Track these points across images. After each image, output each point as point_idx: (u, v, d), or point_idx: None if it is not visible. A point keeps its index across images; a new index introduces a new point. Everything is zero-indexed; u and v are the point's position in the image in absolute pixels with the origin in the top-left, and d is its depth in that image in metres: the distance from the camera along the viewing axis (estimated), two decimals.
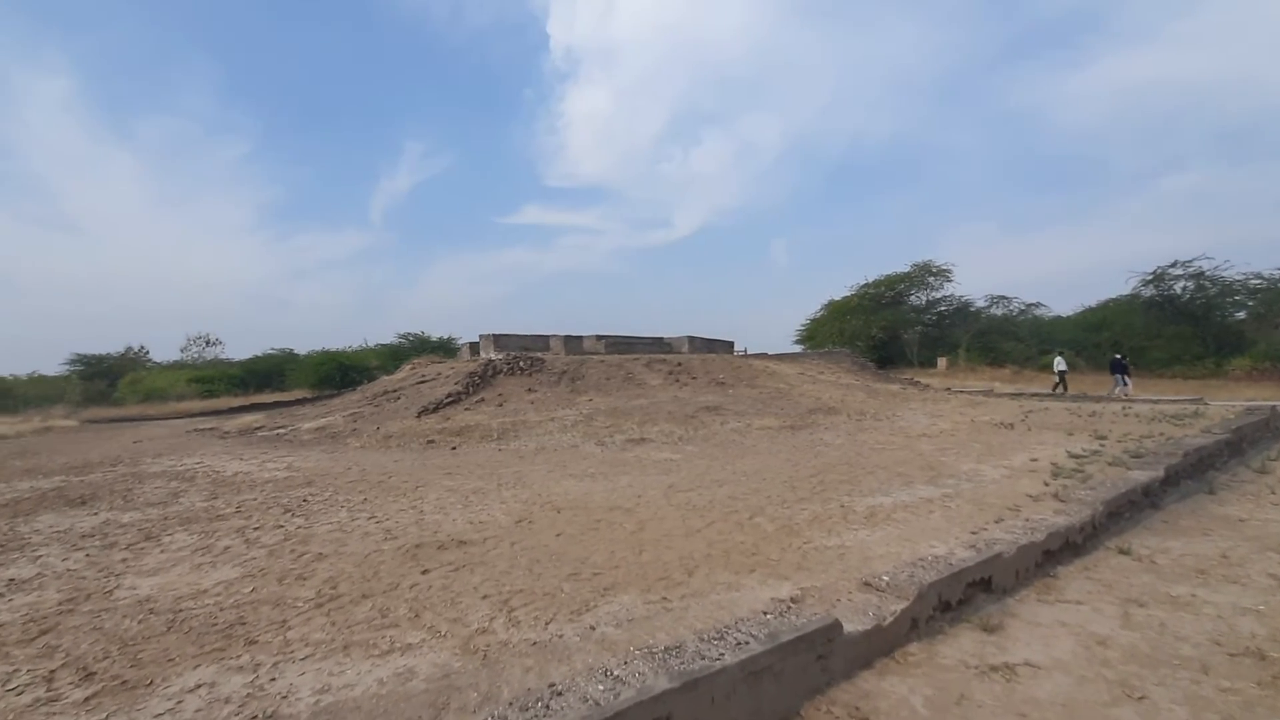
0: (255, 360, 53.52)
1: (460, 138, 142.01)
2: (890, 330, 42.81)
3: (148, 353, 57.19)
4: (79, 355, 51.21)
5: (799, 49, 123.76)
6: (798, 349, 44.16)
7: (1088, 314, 40.37)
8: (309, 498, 7.92)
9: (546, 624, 3.55)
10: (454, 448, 13.63)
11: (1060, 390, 23.99)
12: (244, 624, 3.74)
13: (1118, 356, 24.26)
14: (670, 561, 4.76)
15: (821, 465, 9.40)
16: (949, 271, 43.59)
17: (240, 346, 50.42)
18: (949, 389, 24.53)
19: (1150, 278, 35.64)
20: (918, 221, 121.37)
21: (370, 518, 6.60)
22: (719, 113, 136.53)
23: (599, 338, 26.78)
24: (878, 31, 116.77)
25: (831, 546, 5.04)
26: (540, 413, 17.26)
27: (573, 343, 25.89)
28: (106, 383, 47.69)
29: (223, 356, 57.27)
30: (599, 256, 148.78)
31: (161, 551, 5.51)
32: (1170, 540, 6.05)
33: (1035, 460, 9.03)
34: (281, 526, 6.32)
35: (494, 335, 25.19)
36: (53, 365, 49.27)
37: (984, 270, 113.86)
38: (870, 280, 44.93)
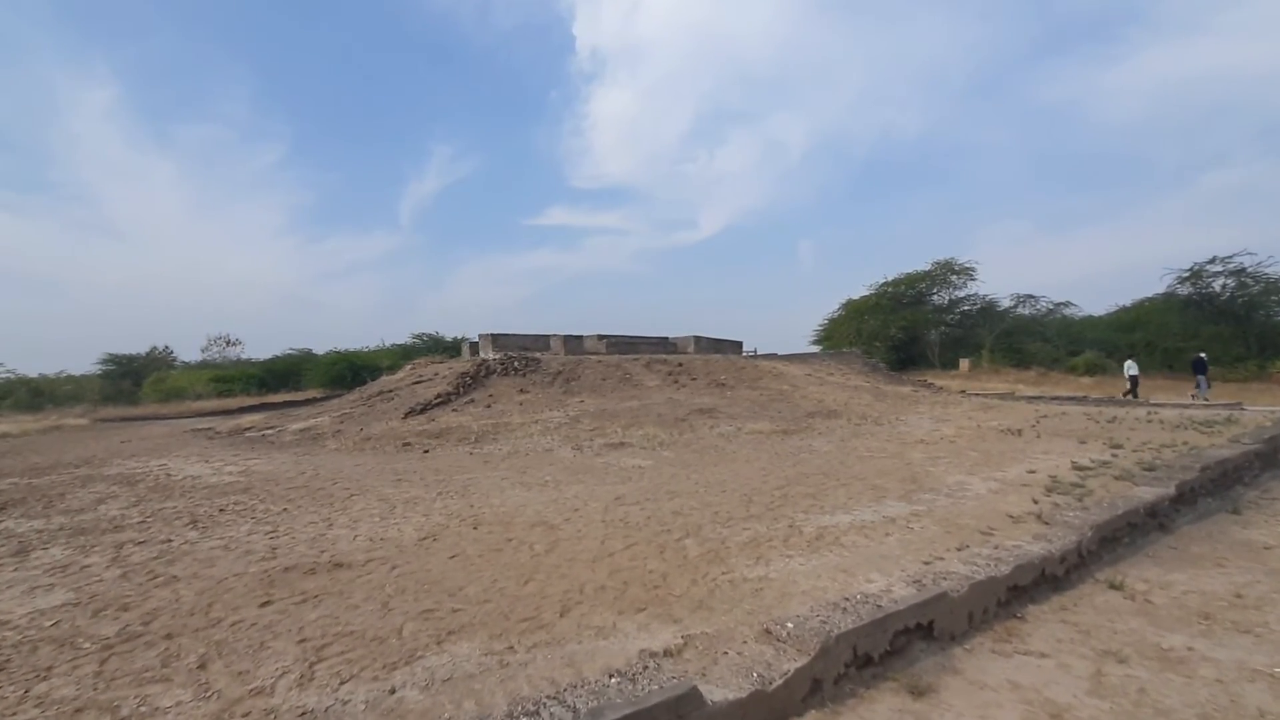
0: (274, 361, 54.03)
1: (487, 140, 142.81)
2: (910, 330, 41.40)
3: (172, 353, 58.17)
4: (110, 355, 52.18)
5: (825, 46, 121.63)
6: (815, 350, 42.96)
7: (1121, 314, 38.48)
8: (229, 507, 7.39)
9: (342, 683, 2.88)
10: (426, 450, 13.08)
11: (1131, 396, 21.83)
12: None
13: (1201, 355, 22.13)
14: (554, 594, 4.05)
15: (795, 475, 8.59)
16: (972, 270, 42.00)
17: (274, 347, 50.99)
18: (963, 392, 23.32)
19: (1187, 275, 33.73)
20: (948, 220, 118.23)
21: (270, 532, 6.01)
22: (744, 112, 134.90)
23: (600, 337, 26.13)
24: (906, 27, 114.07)
25: (752, 579, 4.28)
26: (526, 414, 16.65)
27: (573, 342, 25.27)
28: (130, 382, 48.50)
29: (243, 356, 57.99)
30: (624, 257, 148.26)
31: (14, 570, 4.98)
32: (1175, 572, 5.14)
33: (1033, 472, 8.09)
34: (169, 541, 5.76)
35: (492, 335, 24.71)
36: (92, 366, 50.28)
37: (1018, 270, 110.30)
38: (889, 279, 43.48)
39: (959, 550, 4.77)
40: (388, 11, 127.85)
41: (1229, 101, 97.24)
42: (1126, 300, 39.26)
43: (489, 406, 17.98)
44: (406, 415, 17.63)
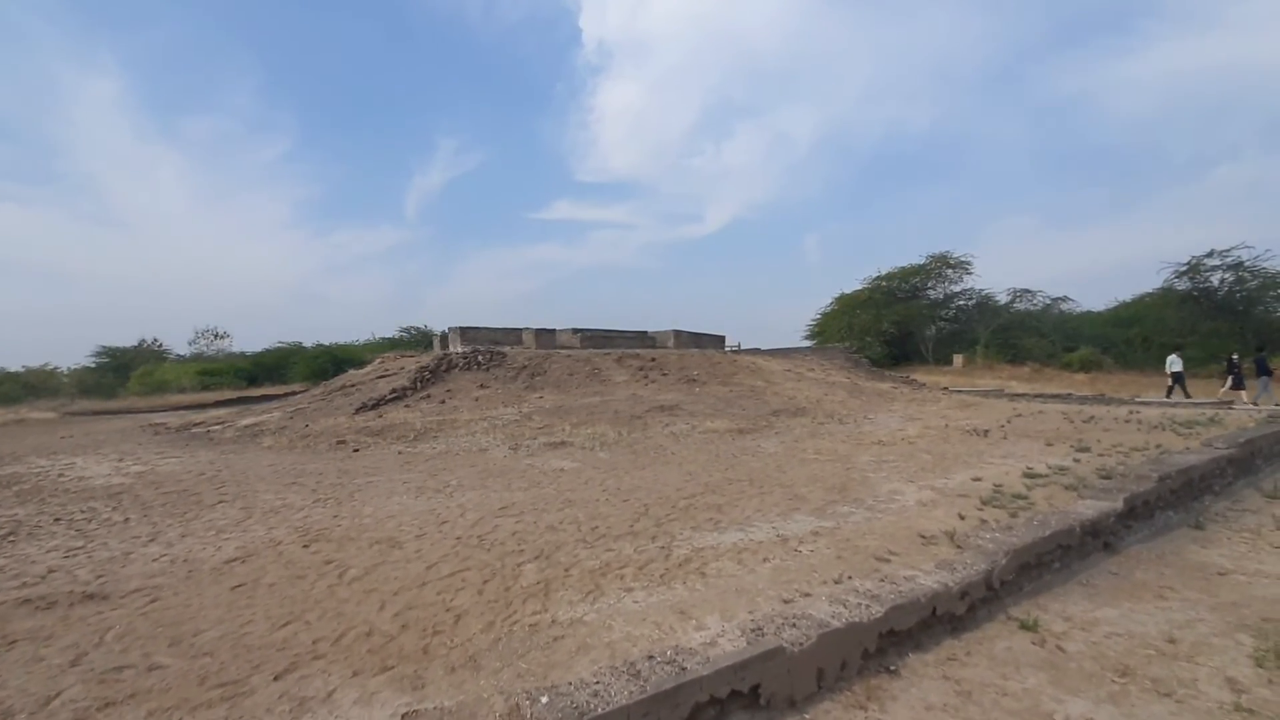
0: (263, 354, 53.43)
1: (493, 134, 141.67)
2: (903, 325, 40.40)
3: (160, 345, 57.56)
4: (104, 348, 51.65)
5: (833, 38, 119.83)
6: (808, 344, 42.04)
7: (1120, 309, 37.39)
8: (73, 515, 6.68)
9: None
10: (357, 450, 12.34)
11: (1178, 395, 19.21)
12: None
13: (1260, 353, 19.06)
14: (300, 644, 3.29)
15: (720, 481, 7.80)
16: (968, 264, 40.96)
17: (282, 340, 50.70)
18: (945, 389, 22.44)
19: (1184, 269, 32.60)
20: (956, 215, 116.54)
21: (70, 550, 5.27)
22: (751, 105, 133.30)
23: (575, 331, 25.35)
24: (915, 19, 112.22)
25: (562, 622, 3.49)
26: (477, 411, 15.89)
27: (545, 336, 24.49)
28: (115, 375, 47.94)
29: (233, 350, 57.39)
30: (629, 252, 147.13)
31: None
32: (1106, 606, 4.33)
33: (978, 480, 7.27)
34: None
35: (461, 328, 23.95)
36: (86, 358, 49.71)
37: (1024, 265, 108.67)
38: (883, 273, 42.47)
39: (836, 583, 3.97)
40: (395, 4, 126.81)
41: (1240, 95, 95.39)
42: (1132, 294, 38.06)
43: (443, 402, 17.23)
44: (357, 411, 16.90)
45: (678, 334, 27.58)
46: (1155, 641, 3.79)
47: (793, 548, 4.80)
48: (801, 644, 3.12)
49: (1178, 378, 19.82)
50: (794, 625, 3.30)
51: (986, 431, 11.56)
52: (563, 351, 22.30)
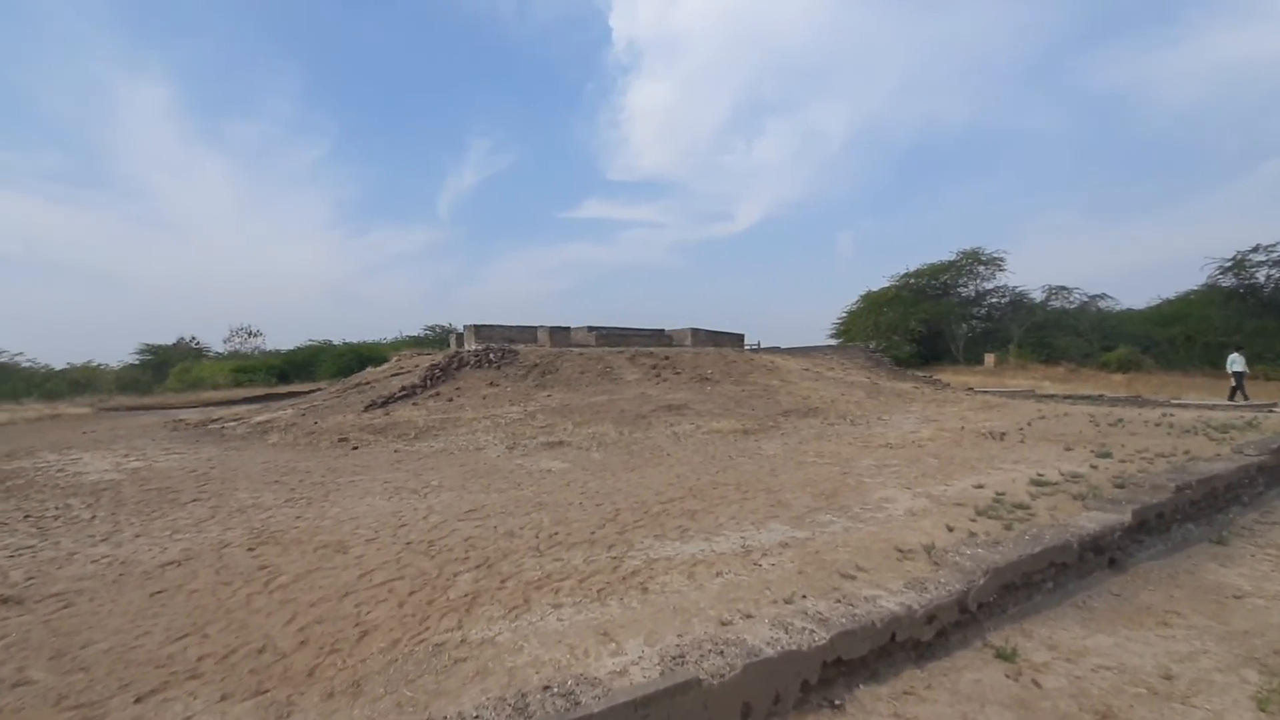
0: (295, 352, 54.54)
1: (524, 134, 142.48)
2: (933, 324, 39.24)
3: (198, 343, 59.14)
4: (146, 345, 53.40)
5: (867, 32, 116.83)
6: (833, 343, 41.12)
7: (1162, 307, 35.66)
8: (43, 512, 6.64)
9: None
10: (355, 447, 12.28)
11: (1242, 398, 17.91)
12: None
13: None
14: (183, 660, 3.07)
15: (705, 484, 7.45)
16: (1001, 260, 39.59)
17: (317, 338, 52.10)
18: (971, 389, 21.60)
19: (1229, 265, 30.88)
20: (993, 211, 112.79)
21: (18, 549, 5.16)
22: (783, 101, 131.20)
23: (590, 329, 25.12)
24: (954, 11, 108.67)
25: (473, 642, 3.21)
26: (481, 410, 15.76)
27: (560, 334, 24.32)
28: (152, 372, 49.43)
29: (265, 348, 58.71)
30: (660, 250, 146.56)
31: None
32: (1100, 633, 3.88)
33: (981, 487, 6.78)
34: None
35: (476, 326, 23.93)
36: (130, 355, 51.42)
37: (1064, 261, 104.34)
38: (911, 270, 41.32)
39: (786, 603, 3.60)
40: (429, 7, 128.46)
41: None
42: (1179, 291, 36.15)
43: (450, 400, 17.16)
44: (366, 409, 16.94)
45: (695, 332, 27.14)
46: (1149, 677, 3.35)
47: (754, 561, 4.44)
48: (723, 675, 2.78)
49: (1239, 378, 18.50)
50: (721, 653, 2.96)
51: (1003, 434, 10.95)
52: (575, 350, 22.10)
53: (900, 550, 4.57)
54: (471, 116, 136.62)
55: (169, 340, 55.62)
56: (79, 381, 44.49)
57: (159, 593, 4.01)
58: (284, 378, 47.95)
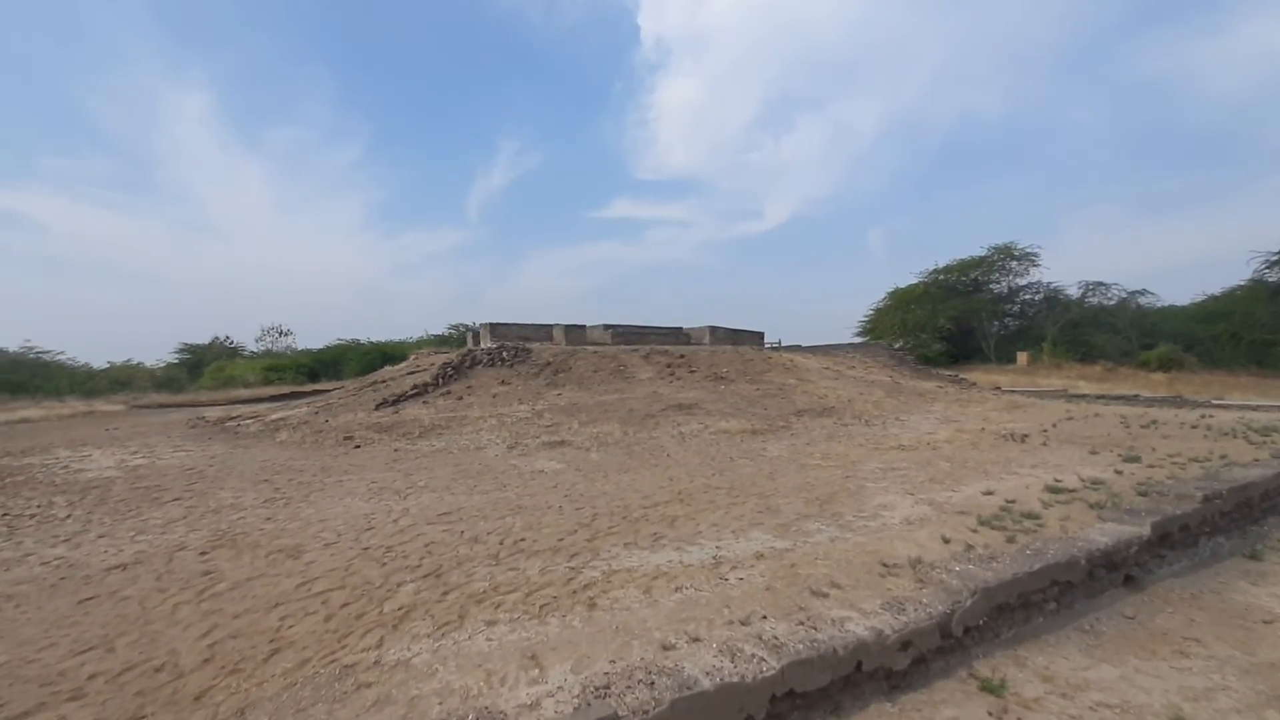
0: (324, 350, 55.53)
1: (552, 134, 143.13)
2: (963, 321, 38.07)
3: (232, 342, 60.56)
4: (185, 345, 55.00)
5: (900, 25, 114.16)
6: (860, 341, 40.19)
7: (1207, 304, 33.92)
8: (35, 510, 6.63)
9: None
10: (357, 446, 12.20)
11: None
12: None
13: None
14: (60, 679, 2.87)
15: (698, 488, 7.10)
16: (1035, 255, 38.18)
17: (336, 337, 53.42)
18: (999, 388, 20.75)
19: (1276, 259, 29.21)
20: (1032, 205, 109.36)
21: None
22: (813, 97, 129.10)
23: (606, 327, 24.86)
24: (988, 2, 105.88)
25: (387, 665, 2.94)
26: (489, 408, 15.60)
27: (575, 332, 24.11)
28: (186, 370, 50.74)
29: (294, 347, 59.86)
30: (688, 249, 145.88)
31: None
32: (1104, 663, 3.45)
33: (990, 494, 6.30)
34: None
35: (491, 324, 23.86)
36: (169, 355, 52.99)
37: (1107, 256, 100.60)
38: (940, 266, 40.14)
39: (743, 624, 3.25)
40: (459, 9, 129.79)
41: None
42: (1227, 286, 34.26)
43: (460, 399, 17.05)
44: (378, 407, 16.94)
45: (713, 330, 26.69)
46: (1157, 714, 2.91)
47: (721, 574, 4.08)
48: (647, 712, 2.45)
49: None
50: (652, 684, 2.63)
51: (1025, 436, 10.35)
52: (589, 348, 21.86)
53: (885, 564, 4.16)
54: (500, 117, 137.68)
55: (205, 340, 57.13)
56: (119, 380, 45.77)
57: (88, 600, 3.83)
58: (313, 376, 48.82)
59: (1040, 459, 8.42)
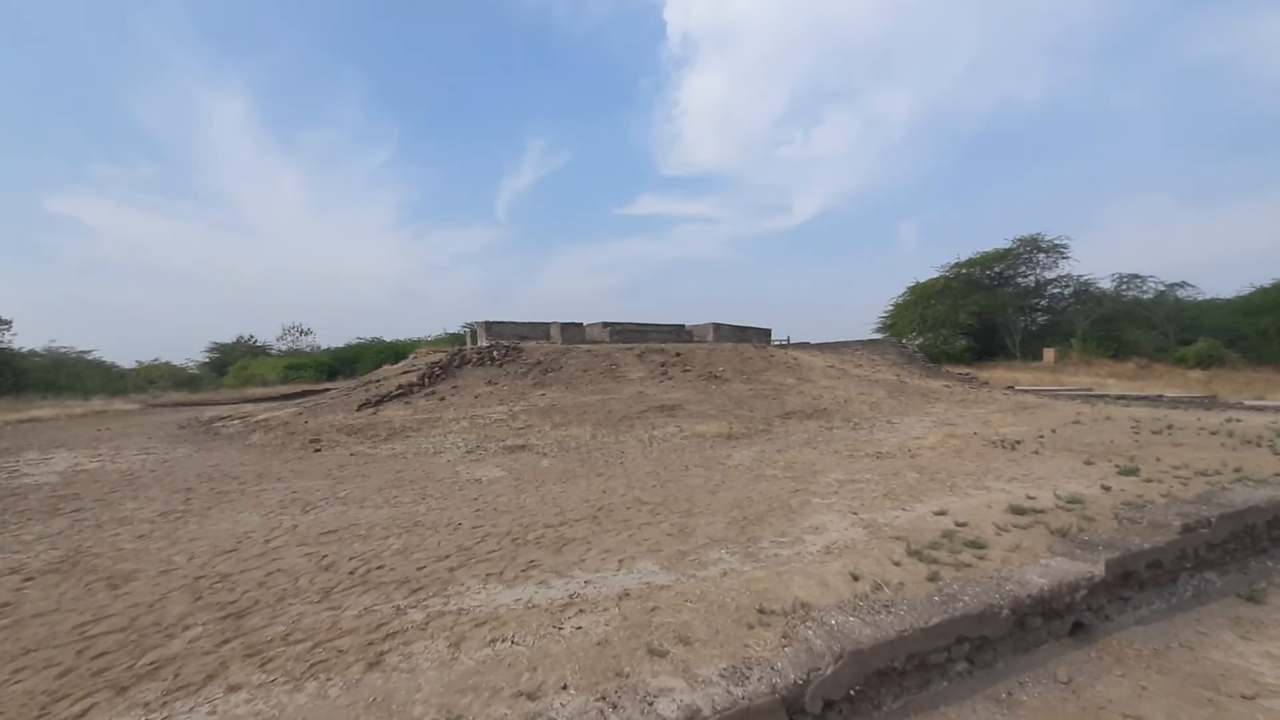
0: (343, 349, 56.14)
1: (579, 132, 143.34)
2: (986, 317, 36.44)
3: (255, 340, 61.63)
4: (215, 344, 56.25)
5: (935, 13, 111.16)
6: (877, 338, 38.83)
7: (1253, 296, 31.79)
8: None
9: None
10: (318, 450, 11.80)
11: None
12: None
13: None
14: None
15: (624, 502, 6.46)
16: (1064, 247, 36.34)
17: (355, 336, 54.41)
18: (1011, 387, 19.55)
19: None
20: (1074, 195, 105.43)
21: None
22: (843, 89, 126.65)
23: (605, 325, 24.24)
24: None
25: None
26: (466, 410, 15.12)
27: (572, 330, 23.55)
28: (217, 369, 51.70)
29: (318, 345, 60.60)
30: (715, 245, 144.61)
31: None
32: None
33: (942, 514, 5.51)
34: None
35: (487, 323, 23.46)
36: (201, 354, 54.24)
37: (1155, 247, 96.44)
38: (962, 259, 38.55)
39: (530, 699, 2.59)
40: (486, 8, 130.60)
41: None
42: (1270, 280, 31.96)
43: (442, 399, 16.63)
44: (360, 407, 16.62)
45: (717, 328, 25.87)
46: None
47: (559, 621, 3.42)
48: None
49: None
50: None
51: (1018, 443, 9.41)
52: (583, 347, 21.29)
53: (762, 611, 3.45)
54: (528, 115, 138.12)
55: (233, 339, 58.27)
56: (150, 379, 46.74)
57: None
58: (333, 375, 49.27)
59: (1025, 470, 7.54)
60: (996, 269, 37.81)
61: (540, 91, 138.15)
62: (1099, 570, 3.77)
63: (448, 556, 4.68)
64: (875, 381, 18.53)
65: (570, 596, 3.78)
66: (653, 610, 3.52)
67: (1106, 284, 36.21)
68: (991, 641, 3.32)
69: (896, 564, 4.18)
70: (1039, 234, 36.49)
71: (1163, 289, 34.84)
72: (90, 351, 46.30)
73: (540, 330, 23.93)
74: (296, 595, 3.93)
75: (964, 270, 38.49)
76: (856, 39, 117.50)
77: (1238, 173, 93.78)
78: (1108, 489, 6.29)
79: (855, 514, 5.68)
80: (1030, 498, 6.00)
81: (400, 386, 17.90)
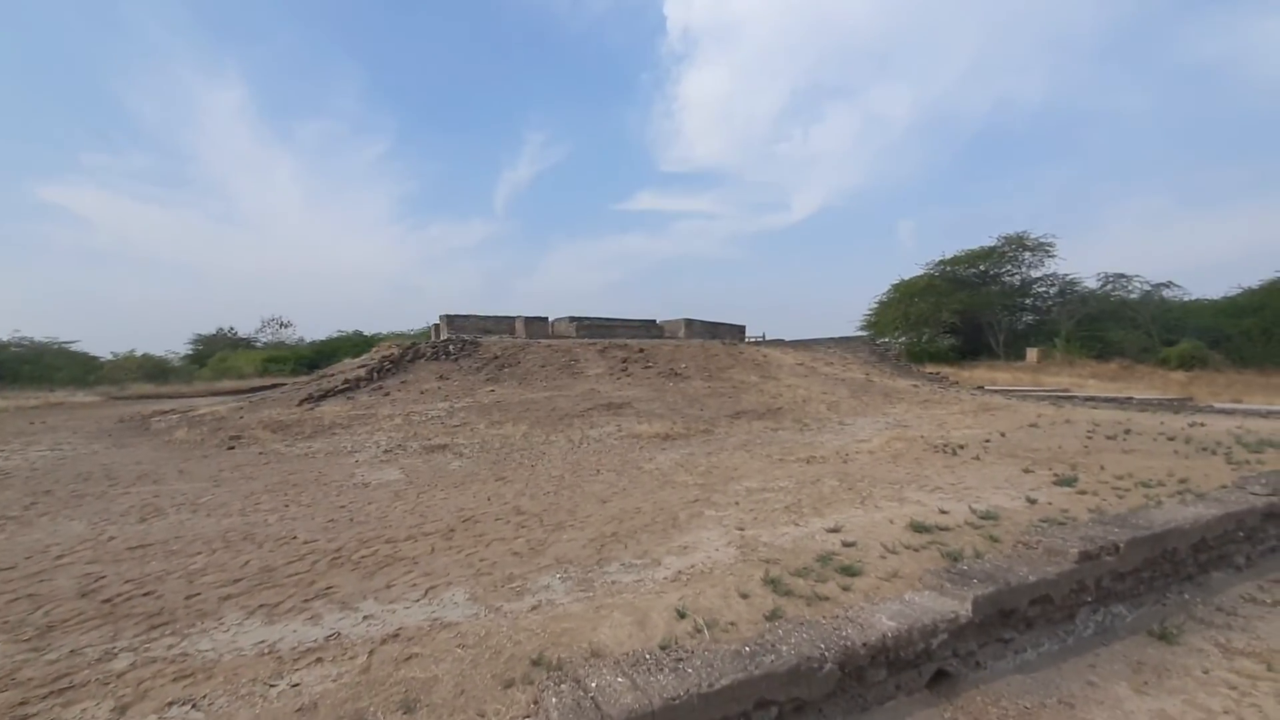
0: (324, 342, 55.33)
1: (578, 126, 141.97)
2: (971, 315, 35.78)
3: (235, 332, 60.60)
4: (198, 335, 55.24)
5: (935, 11, 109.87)
6: (862, 335, 38.19)
7: (1240, 297, 31.21)
8: None
9: None
10: (231, 448, 11.13)
11: None
12: None
13: None
14: None
15: (503, 511, 5.84)
16: (1050, 246, 35.69)
17: (337, 329, 53.69)
18: (982, 387, 18.96)
19: None
20: (1072, 196, 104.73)
21: None
22: (843, 86, 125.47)
23: (572, 320, 23.56)
24: None
25: None
26: (404, 406, 14.45)
27: (536, 325, 22.88)
28: (196, 362, 50.73)
29: (303, 339, 59.65)
30: (713, 242, 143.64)
31: None
32: None
33: (836, 530, 4.89)
34: None
35: (449, 316, 22.77)
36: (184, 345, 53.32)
37: (1152, 249, 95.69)
38: (947, 256, 37.91)
39: None
40: (487, 1, 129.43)
41: None
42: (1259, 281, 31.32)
43: (386, 395, 15.94)
44: (300, 402, 15.93)
45: (689, 324, 25.22)
46: None
47: (284, 672, 2.77)
48: None
49: None
50: None
51: (961, 448, 8.79)
52: (545, 342, 20.61)
53: (537, 662, 2.80)
54: (527, 110, 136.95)
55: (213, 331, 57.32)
56: (129, 370, 45.71)
57: None
58: (313, 368, 48.40)
59: (956, 479, 6.91)
60: (981, 267, 37.17)
61: (539, 85, 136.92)
62: (964, 610, 3.13)
63: (238, 580, 4.03)
64: (842, 380, 17.91)
65: (326, 639, 3.13)
66: (408, 659, 2.87)
67: (1092, 283, 35.64)
68: (811, 704, 2.68)
69: (744, 596, 3.54)
70: (1024, 232, 35.87)
71: (1149, 288, 34.29)
72: (73, 342, 45.37)
73: (505, 324, 23.25)
74: (9, 631, 3.27)
75: (948, 268, 37.86)
76: (857, 36, 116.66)
77: (1236, 175, 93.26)
78: (1033, 502, 5.67)
79: (741, 530, 5.04)
80: (943, 512, 5.37)
81: (347, 381, 17.20)
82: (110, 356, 49.97)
